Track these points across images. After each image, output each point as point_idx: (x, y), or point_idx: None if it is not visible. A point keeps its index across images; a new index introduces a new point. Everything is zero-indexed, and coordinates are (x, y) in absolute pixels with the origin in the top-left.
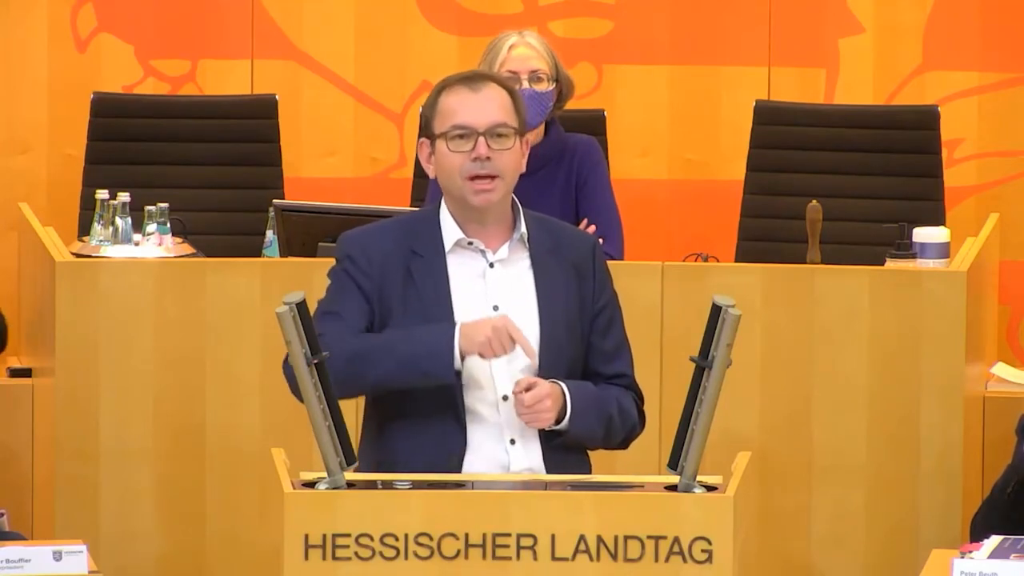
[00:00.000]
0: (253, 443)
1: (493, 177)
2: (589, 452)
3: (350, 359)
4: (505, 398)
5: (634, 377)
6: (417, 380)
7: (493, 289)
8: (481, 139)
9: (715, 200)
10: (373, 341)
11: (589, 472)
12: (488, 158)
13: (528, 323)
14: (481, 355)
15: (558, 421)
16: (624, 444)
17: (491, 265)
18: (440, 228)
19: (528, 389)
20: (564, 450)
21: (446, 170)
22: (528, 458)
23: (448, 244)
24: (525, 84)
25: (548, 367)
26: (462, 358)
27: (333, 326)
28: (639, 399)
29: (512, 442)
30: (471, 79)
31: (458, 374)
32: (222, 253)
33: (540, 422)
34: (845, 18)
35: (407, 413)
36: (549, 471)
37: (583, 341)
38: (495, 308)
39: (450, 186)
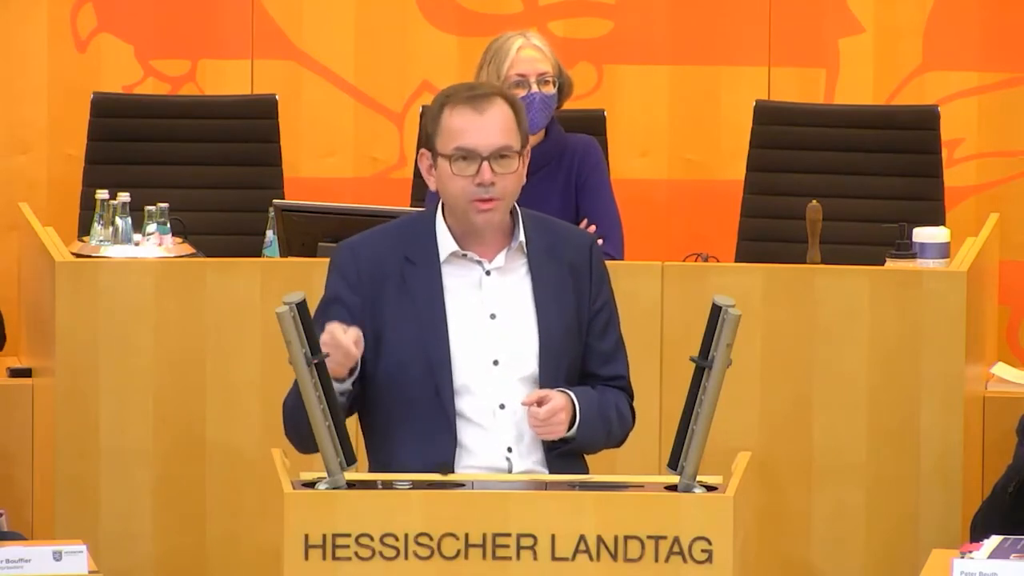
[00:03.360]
0: (253, 443)
1: (496, 199)
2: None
3: (292, 417)
4: (502, 406)
5: (629, 378)
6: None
7: (490, 297)
8: (485, 164)
9: (715, 200)
10: (295, 393)
11: (586, 474)
12: (492, 183)
13: (526, 331)
14: (335, 372)
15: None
16: (618, 445)
17: (487, 273)
18: (435, 236)
19: (540, 402)
20: (563, 457)
21: (448, 190)
22: (525, 466)
23: (443, 255)
24: (534, 87)
25: (547, 374)
26: (340, 380)
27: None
28: (631, 398)
29: (509, 450)
30: (475, 98)
31: (347, 393)
32: (222, 253)
33: (552, 434)
34: (845, 18)
35: (401, 423)
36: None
37: (580, 343)
38: (492, 317)
39: (452, 204)
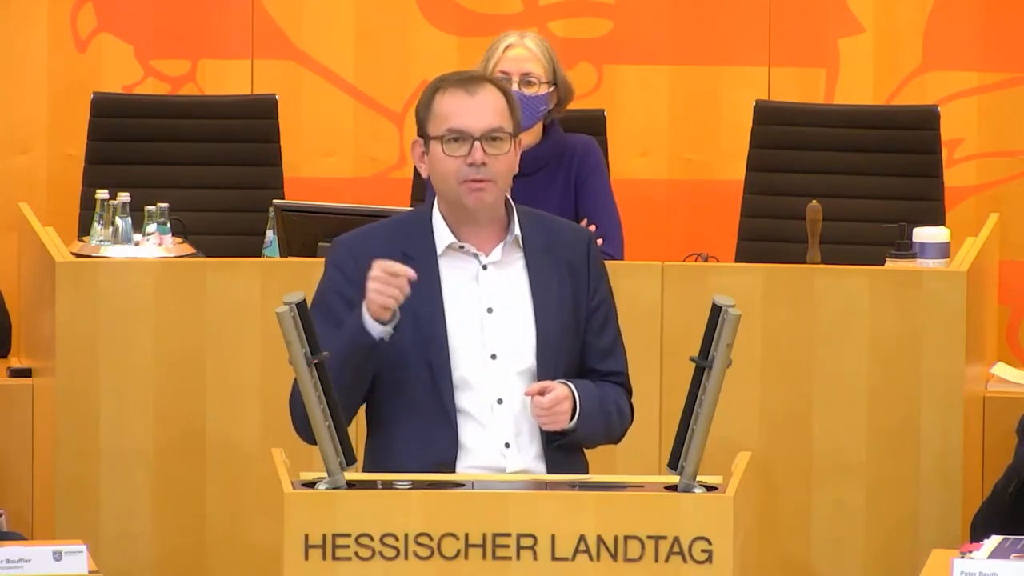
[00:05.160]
0: (253, 443)
1: (488, 180)
2: (584, 451)
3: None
4: (500, 401)
5: (627, 374)
6: (353, 355)
7: (487, 291)
8: (477, 144)
9: (715, 200)
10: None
11: (586, 471)
12: (484, 163)
13: (524, 326)
14: (385, 308)
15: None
16: (617, 441)
17: (484, 267)
18: (432, 230)
19: (542, 392)
20: (563, 450)
21: (440, 173)
22: (523, 460)
23: (440, 248)
24: (515, 87)
25: (545, 368)
26: (385, 323)
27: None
28: (630, 394)
29: (507, 445)
30: (466, 81)
31: (384, 339)
32: (222, 253)
33: (556, 424)
34: (845, 18)
35: (400, 418)
36: (550, 471)
37: (578, 339)
38: (489, 311)
39: (444, 188)
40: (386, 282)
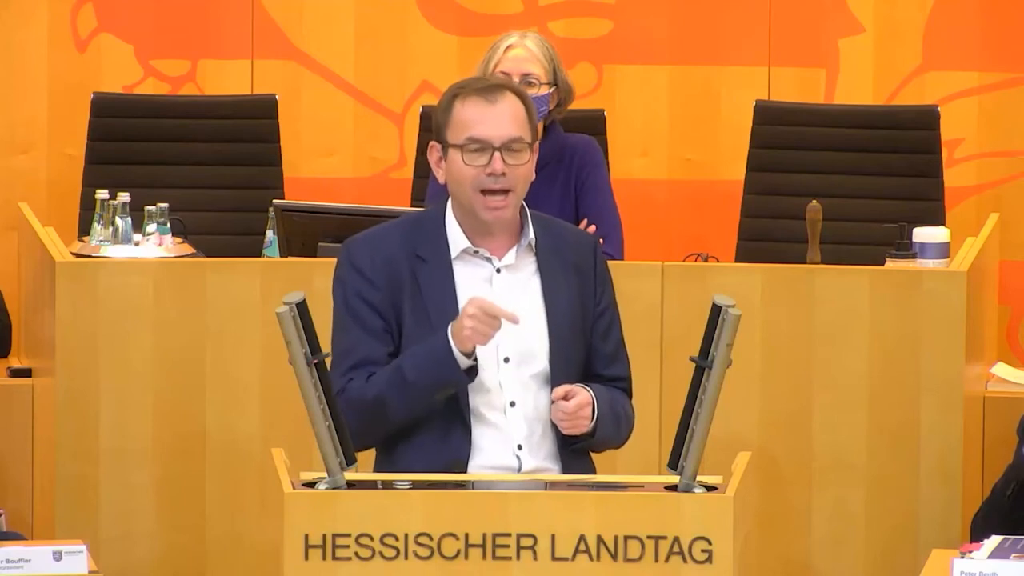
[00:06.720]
0: (253, 443)
1: (506, 192)
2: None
3: (370, 411)
4: (513, 404)
5: (631, 379)
6: (434, 398)
7: (500, 295)
8: (497, 154)
9: (715, 200)
10: (380, 384)
11: (592, 473)
12: (503, 173)
13: (536, 328)
14: (478, 344)
15: None
16: (620, 446)
17: (498, 271)
18: (445, 233)
19: (565, 396)
20: (575, 453)
21: (458, 180)
22: (535, 463)
23: (454, 252)
24: None
25: (558, 372)
26: (468, 355)
27: (356, 382)
28: (630, 399)
29: (519, 447)
30: (487, 89)
31: (473, 370)
32: (222, 253)
33: (577, 429)
34: (845, 18)
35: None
36: (564, 473)
37: (586, 343)
38: None
39: (461, 195)
40: (485, 322)
